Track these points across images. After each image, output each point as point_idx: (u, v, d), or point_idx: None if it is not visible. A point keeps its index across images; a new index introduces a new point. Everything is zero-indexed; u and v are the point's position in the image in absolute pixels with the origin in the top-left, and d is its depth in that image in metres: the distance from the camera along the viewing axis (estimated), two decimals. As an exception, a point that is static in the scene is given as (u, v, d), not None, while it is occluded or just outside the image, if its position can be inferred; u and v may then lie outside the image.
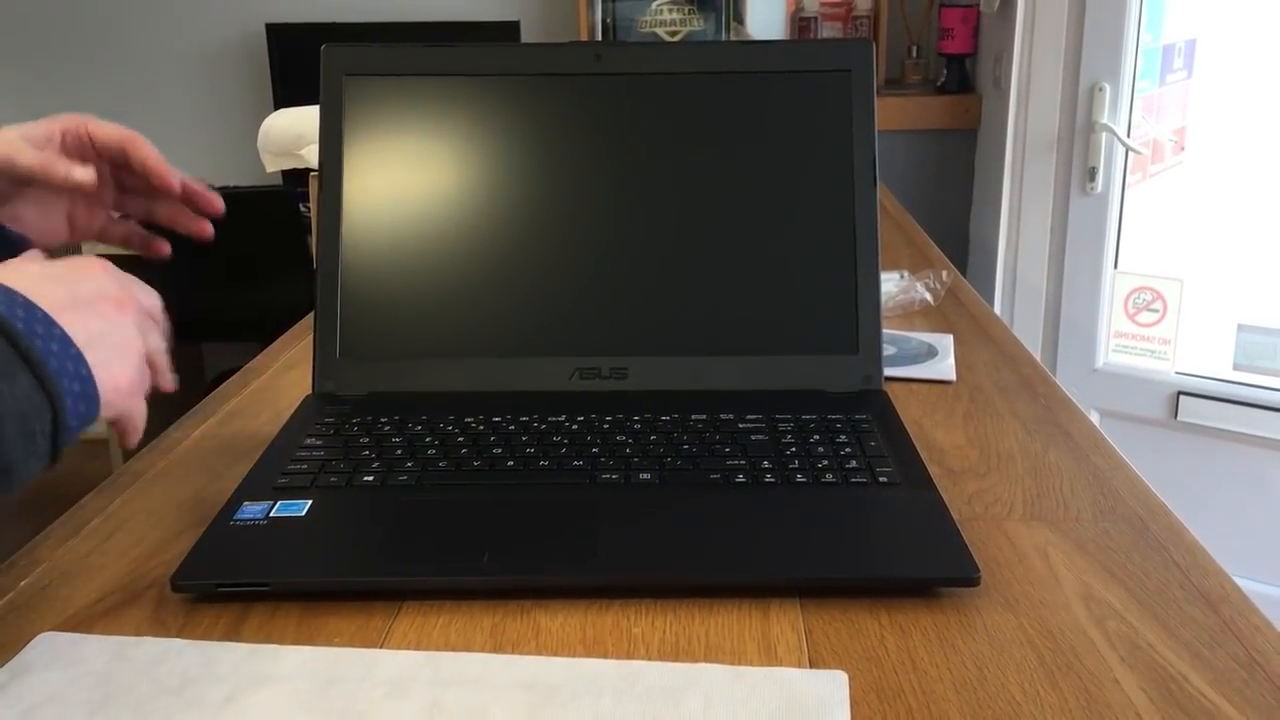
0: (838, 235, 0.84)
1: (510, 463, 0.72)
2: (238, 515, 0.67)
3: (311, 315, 1.18)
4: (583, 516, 0.66)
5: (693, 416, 0.78)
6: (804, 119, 0.85)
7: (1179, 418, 2.09)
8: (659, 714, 0.51)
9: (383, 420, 0.78)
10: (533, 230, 0.85)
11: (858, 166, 0.85)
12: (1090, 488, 0.73)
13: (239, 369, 1.03)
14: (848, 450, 0.73)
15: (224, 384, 0.98)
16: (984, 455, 0.79)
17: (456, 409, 0.79)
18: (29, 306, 0.53)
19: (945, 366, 0.96)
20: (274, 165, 1.64)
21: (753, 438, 0.75)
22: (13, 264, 0.57)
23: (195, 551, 0.64)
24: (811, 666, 0.54)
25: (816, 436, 0.75)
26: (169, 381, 0.62)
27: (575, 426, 0.77)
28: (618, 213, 0.85)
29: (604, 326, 0.84)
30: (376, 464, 0.72)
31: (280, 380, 0.99)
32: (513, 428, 0.77)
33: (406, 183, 0.85)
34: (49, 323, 0.53)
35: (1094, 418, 2.12)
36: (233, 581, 0.61)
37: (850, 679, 0.53)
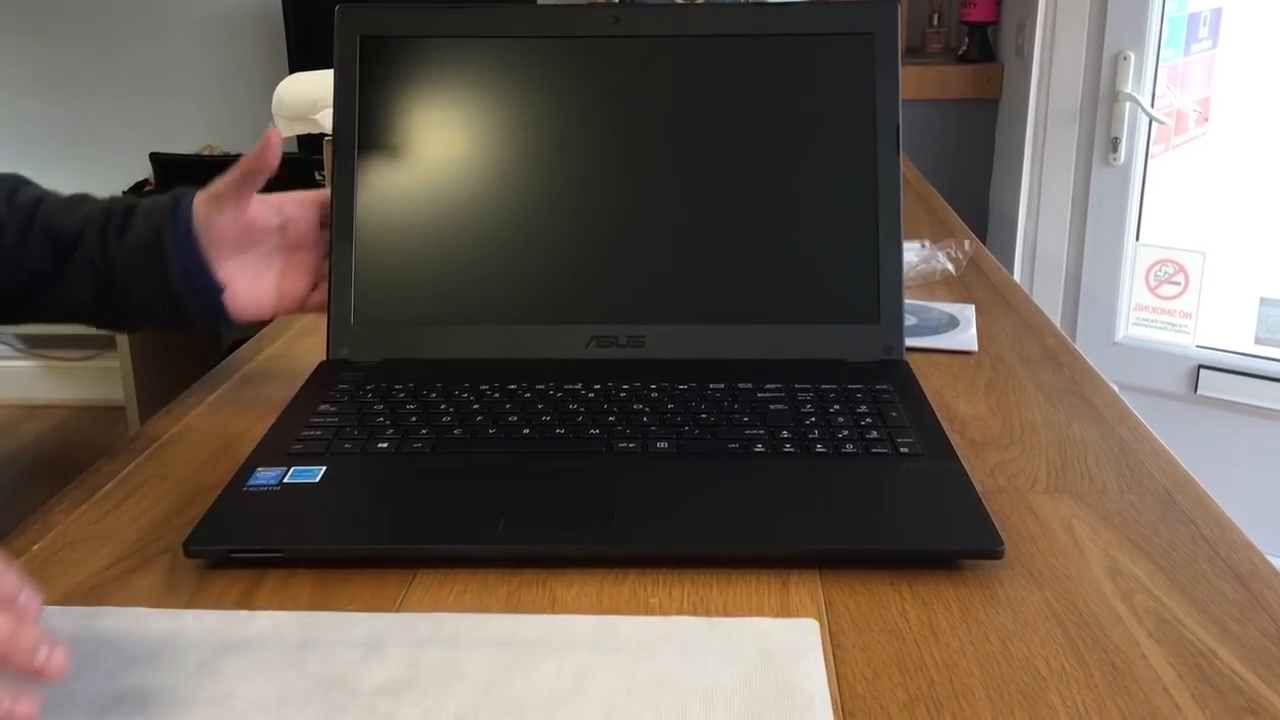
0: (859, 202, 0.83)
1: (526, 430, 0.71)
2: (251, 481, 0.66)
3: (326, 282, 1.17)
4: (599, 485, 0.65)
5: (710, 385, 0.77)
6: (826, 82, 0.84)
7: (1199, 391, 2.07)
8: (635, 666, 0.51)
9: (397, 387, 0.77)
10: (549, 195, 0.83)
11: (880, 132, 0.83)
12: (1115, 460, 0.72)
13: (254, 336, 1.02)
14: (868, 420, 0.71)
15: (240, 349, 0.98)
16: (1007, 426, 0.78)
17: (472, 376, 0.78)
18: None
19: (967, 337, 0.95)
20: (288, 130, 1.63)
21: (771, 407, 0.73)
22: None
23: (208, 517, 0.63)
24: (832, 639, 0.53)
25: (836, 406, 0.73)
26: (47, 668, 0.44)
27: (592, 395, 0.76)
28: (635, 177, 0.84)
29: (621, 293, 0.83)
30: (391, 431, 0.71)
31: (295, 346, 0.99)
32: (528, 395, 0.76)
33: (421, 146, 0.84)
34: None
35: (1114, 389, 2.10)
36: (246, 548, 0.61)
37: (872, 651, 0.52)
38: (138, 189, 2.91)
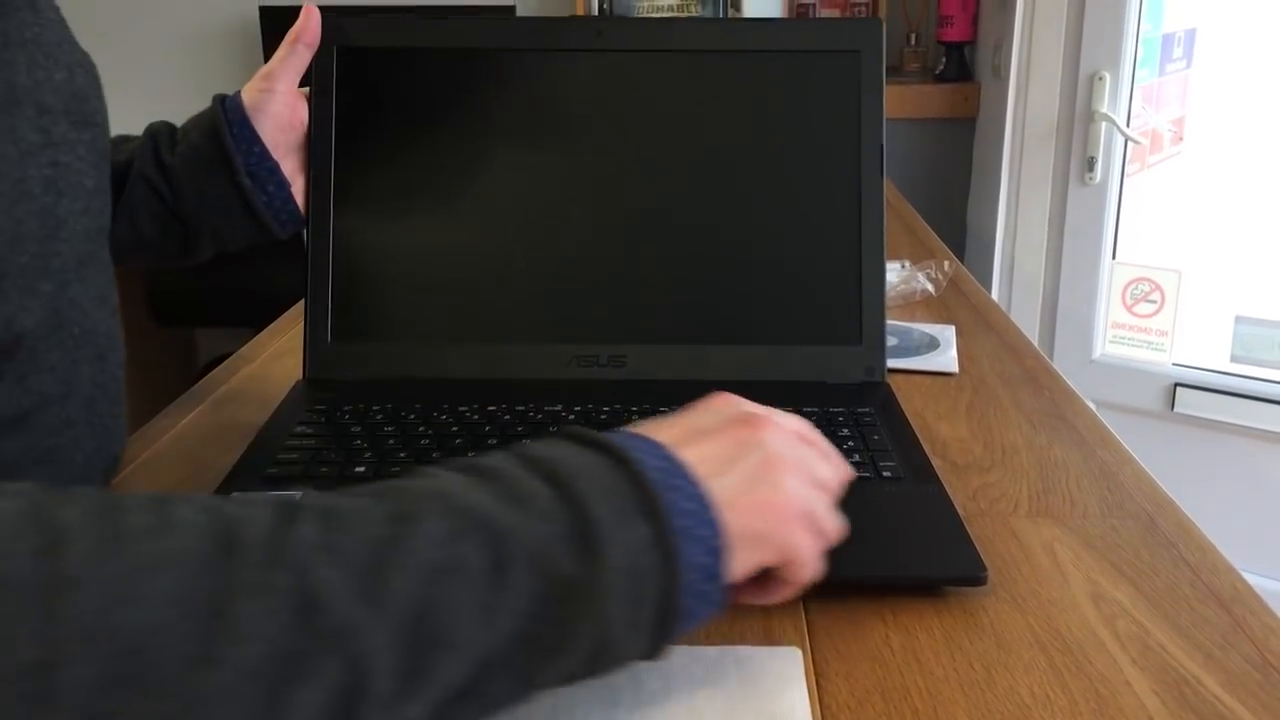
0: (842, 223, 0.82)
1: None
2: None
3: (303, 301, 1.16)
4: None
5: None
6: (810, 101, 0.83)
7: (1176, 409, 2.08)
8: (616, 696, 0.50)
9: (375, 408, 0.76)
10: (530, 212, 0.83)
11: (865, 151, 0.82)
12: (1097, 483, 0.72)
13: (231, 354, 1.01)
14: (850, 444, 0.71)
15: (214, 370, 0.97)
16: (988, 449, 0.77)
17: (451, 397, 0.77)
18: (670, 460, 0.46)
19: (948, 358, 0.95)
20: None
21: None
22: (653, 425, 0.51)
23: None
24: (815, 666, 0.53)
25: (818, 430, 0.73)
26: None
27: (572, 417, 0.75)
28: (617, 195, 0.83)
29: (603, 312, 0.82)
30: (369, 454, 0.70)
31: (272, 368, 0.98)
32: (508, 418, 0.75)
33: (399, 161, 0.83)
34: (688, 480, 0.46)
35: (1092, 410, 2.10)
36: None
37: (855, 679, 0.52)
38: (113, 205, 2.89)
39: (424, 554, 0.40)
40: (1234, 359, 2.05)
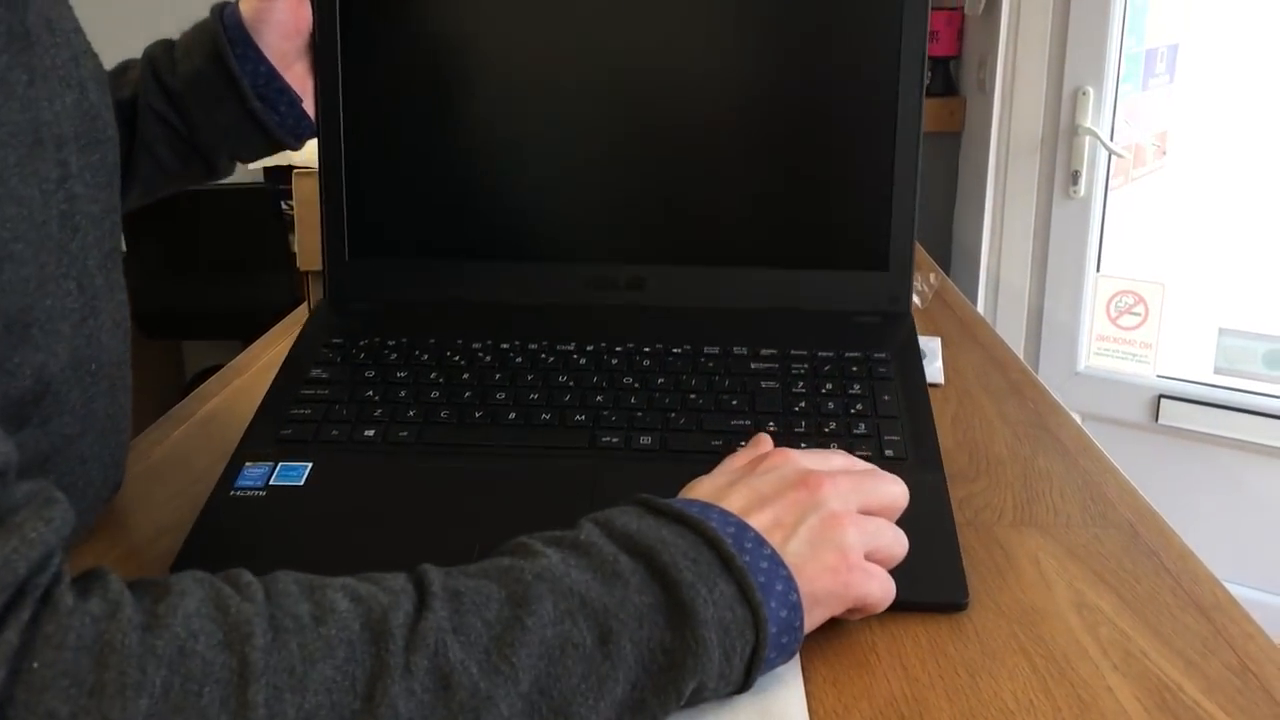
0: (876, 142, 0.78)
1: (512, 415, 0.70)
2: (239, 482, 0.66)
3: (293, 314, 1.17)
4: (580, 498, 0.64)
5: (705, 350, 0.75)
6: (850, 10, 0.79)
7: (1160, 421, 2.09)
8: None
9: (390, 344, 0.76)
10: (548, 120, 0.80)
11: (905, 62, 0.78)
12: (1080, 492, 0.73)
13: (219, 367, 1.02)
14: (859, 408, 0.70)
15: (204, 384, 0.97)
16: (973, 459, 0.78)
17: (465, 331, 0.76)
18: (741, 525, 0.51)
19: (933, 370, 0.96)
20: (255, 161, 1.62)
21: (763, 384, 0.72)
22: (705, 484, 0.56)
23: (193, 536, 0.63)
24: (803, 672, 0.54)
25: (829, 385, 0.72)
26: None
27: (584, 360, 0.74)
28: (640, 102, 0.80)
29: (621, 229, 0.79)
30: (379, 411, 0.71)
31: (261, 380, 0.97)
32: (520, 359, 0.74)
33: (408, 65, 0.80)
34: (759, 541, 0.51)
35: (1077, 421, 2.12)
36: None
37: (842, 686, 0.53)
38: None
39: (539, 633, 0.45)
40: (1217, 371, 2.06)
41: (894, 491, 0.57)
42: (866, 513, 0.55)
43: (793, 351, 0.74)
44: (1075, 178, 2.15)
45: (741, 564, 0.48)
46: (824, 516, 0.53)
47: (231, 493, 0.65)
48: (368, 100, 0.80)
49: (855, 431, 0.68)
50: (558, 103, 0.80)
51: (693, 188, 0.80)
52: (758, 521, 0.52)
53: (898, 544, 0.55)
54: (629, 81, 0.80)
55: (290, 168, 1.30)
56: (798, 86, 0.79)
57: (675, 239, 0.79)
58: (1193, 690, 0.52)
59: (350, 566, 0.60)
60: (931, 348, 1.01)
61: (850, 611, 0.54)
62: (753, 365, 0.74)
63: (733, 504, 0.53)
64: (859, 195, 0.79)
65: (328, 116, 0.80)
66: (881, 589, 0.54)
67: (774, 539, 0.51)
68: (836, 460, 0.58)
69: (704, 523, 0.50)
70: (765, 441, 0.62)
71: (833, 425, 0.69)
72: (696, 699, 0.48)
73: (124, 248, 0.68)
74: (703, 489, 0.55)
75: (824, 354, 0.74)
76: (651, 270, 0.79)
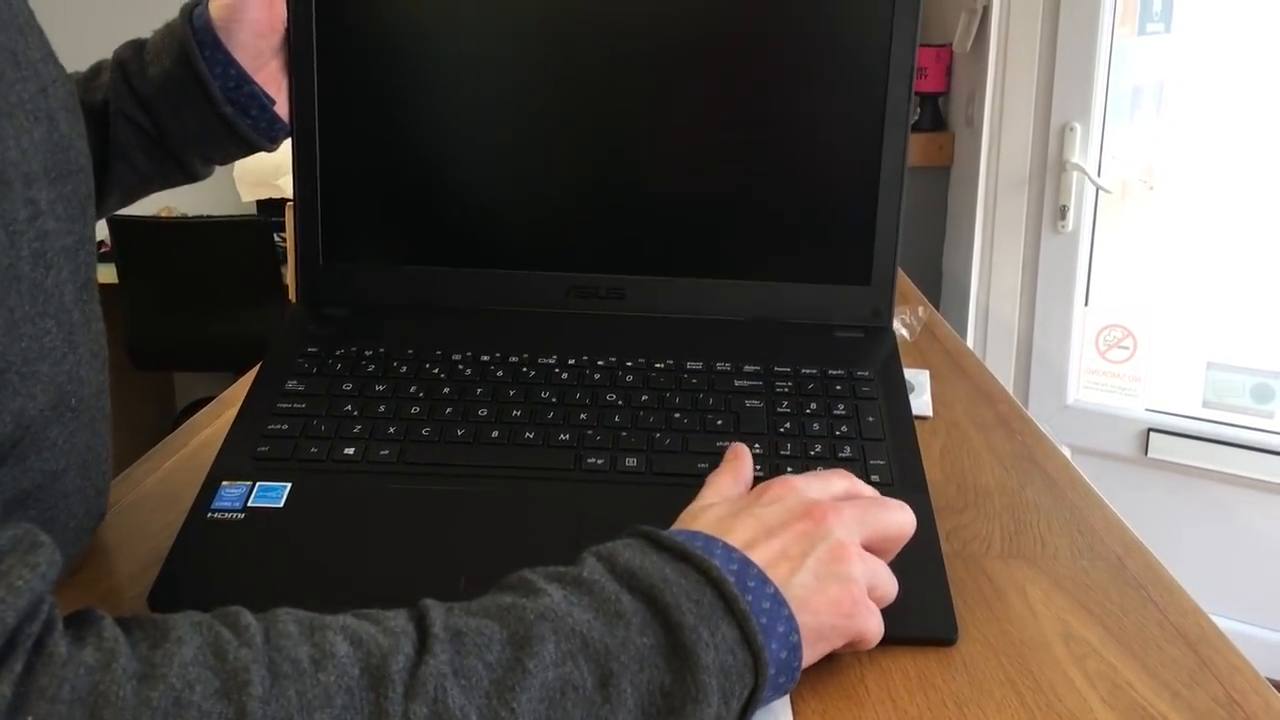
0: (861, 154, 0.77)
1: (495, 434, 0.69)
2: (216, 504, 0.64)
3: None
4: (565, 525, 0.64)
5: (688, 365, 0.74)
6: (837, 14, 0.78)
7: (1149, 454, 2.10)
8: None
9: (367, 354, 0.75)
10: (529, 127, 0.79)
11: (893, 73, 0.77)
12: (1067, 525, 0.73)
13: (210, 399, 1.02)
14: (844, 429, 0.70)
15: (196, 415, 0.97)
16: (961, 491, 0.79)
17: (442, 339, 0.75)
18: (744, 562, 0.51)
19: (922, 403, 0.96)
20: (250, 194, 1.64)
21: (747, 403, 0.72)
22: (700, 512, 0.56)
23: (169, 564, 0.62)
24: (791, 704, 0.54)
25: (813, 405, 0.72)
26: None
27: (565, 375, 0.74)
28: (624, 112, 0.79)
29: (602, 239, 0.79)
30: (358, 428, 0.69)
31: (253, 411, 0.98)
32: (500, 373, 0.73)
33: (385, 65, 0.79)
34: (762, 580, 0.50)
35: (1065, 454, 2.13)
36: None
37: (830, 717, 0.53)
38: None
39: (540, 675, 0.44)
40: (1206, 404, 2.08)
41: (900, 519, 0.57)
42: (874, 540, 0.56)
43: (776, 368, 0.74)
44: (1063, 212, 2.16)
45: (744, 607, 0.48)
46: (831, 547, 0.53)
47: (209, 515, 0.64)
48: (343, 100, 0.79)
49: (841, 455, 0.68)
50: (537, 107, 0.79)
51: (673, 198, 0.80)
52: (762, 555, 0.51)
53: (890, 584, 0.56)
54: (609, 88, 0.79)
55: (284, 201, 1.30)
56: (783, 98, 0.79)
57: (655, 250, 0.79)
58: (1179, 722, 0.52)
59: (333, 595, 0.59)
60: (920, 380, 1.02)
61: (844, 645, 0.54)
62: (736, 383, 0.73)
63: (737, 537, 0.52)
64: (842, 208, 0.79)
65: (302, 117, 0.79)
66: (879, 625, 0.54)
67: (779, 572, 0.51)
68: (840, 484, 0.58)
69: (707, 560, 0.50)
70: (744, 454, 0.62)
71: (818, 448, 0.69)
72: None
73: (98, 278, 0.67)
74: (707, 519, 0.55)
75: (807, 371, 0.74)
76: (630, 280, 0.79)
